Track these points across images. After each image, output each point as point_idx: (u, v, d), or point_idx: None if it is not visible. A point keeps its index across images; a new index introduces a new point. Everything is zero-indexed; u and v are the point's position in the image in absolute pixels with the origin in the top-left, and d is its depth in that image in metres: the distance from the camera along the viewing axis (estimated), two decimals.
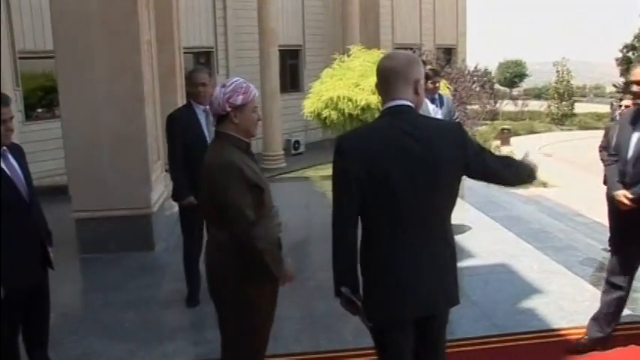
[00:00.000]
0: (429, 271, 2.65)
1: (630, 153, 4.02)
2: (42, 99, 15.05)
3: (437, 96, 7.24)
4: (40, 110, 15.08)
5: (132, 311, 5.30)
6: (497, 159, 2.88)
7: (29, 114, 14.57)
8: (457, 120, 6.76)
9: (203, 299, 5.49)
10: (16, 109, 12.89)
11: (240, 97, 3.11)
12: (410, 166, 2.54)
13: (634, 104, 4.16)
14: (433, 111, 7.04)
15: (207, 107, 5.11)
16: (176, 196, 5.28)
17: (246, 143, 3.20)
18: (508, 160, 2.96)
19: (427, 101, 7.10)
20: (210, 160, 3.11)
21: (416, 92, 2.68)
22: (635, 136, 4.01)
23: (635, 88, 4.01)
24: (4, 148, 3.41)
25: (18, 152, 3.55)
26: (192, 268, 5.40)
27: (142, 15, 6.37)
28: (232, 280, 3.14)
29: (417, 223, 2.61)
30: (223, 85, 3.13)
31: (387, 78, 2.67)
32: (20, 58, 13.87)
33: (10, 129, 3.40)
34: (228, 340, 3.31)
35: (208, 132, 5.18)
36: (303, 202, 9.58)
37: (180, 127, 5.20)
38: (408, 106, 2.65)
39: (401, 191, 2.54)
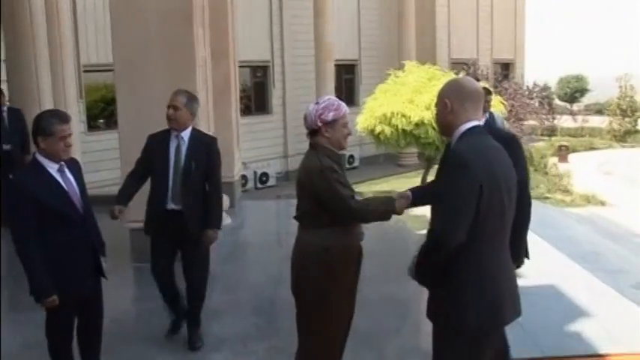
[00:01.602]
0: (514, 279, 2.96)
1: None
2: (104, 110, 15.61)
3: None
4: (101, 121, 15.63)
5: None
6: None
7: (91, 124, 15.12)
8: None
9: (250, 310, 5.63)
10: (78, 119, 13.45)
11: (332, 114, 3.40)
12: (507, 182, 2.78)
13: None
14: None
15: (181, 134, 4.66)
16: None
17: (337, 155, 3.48)
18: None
19: None
20: (306, 165, 3.42)
21: None
22: None
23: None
24: (62, 163, 3.61)
25: (75, 166, 3.74)
26: (164, 288, 4.94)
27: (197, 33, 6.57)
28: (310, 278, 3.42)
29: (507, 235, 2.88)
30: (317, 102, 3.45)
31: (478, 99, 2.91)
32: (84, 71, 14.45)
33: (69, 145, 3.59)
34: (303, 337, 3.54)
35: (176, 160, 4.65)
36: None
37: (148, 149, 4.80)
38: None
39: (506, 205, 2.77)
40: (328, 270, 3.38)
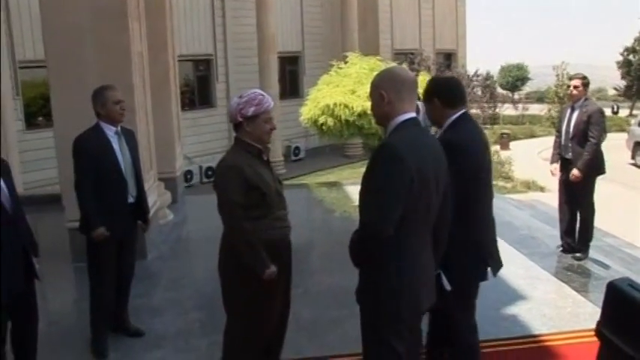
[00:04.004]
0: (432, 270, 3.03)
1: None
2: (43, 107, 15.15)
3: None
4: (41, 118, 15.19)
5: None
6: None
7: (30, 122, 14.69)
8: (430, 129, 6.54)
9: (191, 306, 5.61)
10: (15, 117, 13.05)
11: (252, 109, 3.38)
12: (437, 179, 2.83)
13: None
14: None
15: (119, 128, 4.73)
16: (85, 227, 4.65)
17: (257, 149, 3.50)
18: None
19: None
20: (219, 162, 3.51)
21: None
22: None
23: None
24: None
25: (4, 168, 3.65)
26: (101, 325, 4.85)
27: (133, 28, 6.47)
28: (227, 269, 3.56)
29: (430, 229, 2.94)
30: (240, 96, 3.43)
31: (413, 89, 2.91)
32: (21, 67, 14.00)
33: None
34: (227, 318, 3.69)
35: (123, 155, 4.69)
36: (298, 209, 9.64)
37: (90, 152, 4.56)
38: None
39: (433, 196, 2.83)
40: (241, 262, 3.46)
